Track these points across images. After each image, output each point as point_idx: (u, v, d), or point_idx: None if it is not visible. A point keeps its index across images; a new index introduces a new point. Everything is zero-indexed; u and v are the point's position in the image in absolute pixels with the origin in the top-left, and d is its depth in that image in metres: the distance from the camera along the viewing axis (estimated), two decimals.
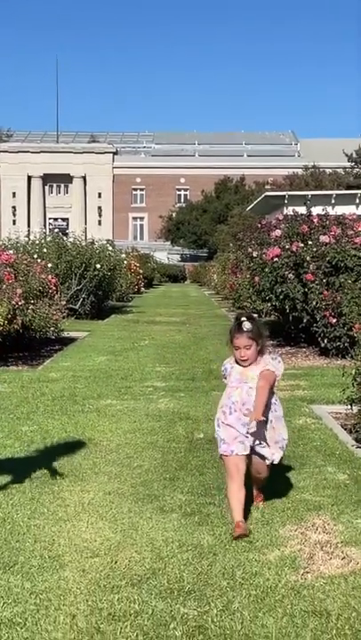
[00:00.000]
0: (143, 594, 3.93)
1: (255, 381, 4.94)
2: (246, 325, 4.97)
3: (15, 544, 4.61)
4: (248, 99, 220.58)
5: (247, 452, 4.98)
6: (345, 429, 7.59)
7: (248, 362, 5.03)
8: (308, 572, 4.19)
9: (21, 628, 3.58)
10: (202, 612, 3.75)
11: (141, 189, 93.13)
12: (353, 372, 7.32)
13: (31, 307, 12.95)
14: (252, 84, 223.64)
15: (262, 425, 4.98)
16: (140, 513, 5.16)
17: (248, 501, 5.05)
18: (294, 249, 13.45)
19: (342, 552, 4.45)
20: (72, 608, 3.77)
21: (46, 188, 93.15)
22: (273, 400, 5.11)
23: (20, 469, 6.14)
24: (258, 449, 5.05)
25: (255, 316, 5.20)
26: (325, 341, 12.88)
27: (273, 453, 5.09)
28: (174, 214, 78.42)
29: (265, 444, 5.05)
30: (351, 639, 3.50)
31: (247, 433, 4.97)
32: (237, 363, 5.09)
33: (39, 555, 4.43)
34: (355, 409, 7.37)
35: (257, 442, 5.02)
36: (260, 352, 5.06)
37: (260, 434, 5.01)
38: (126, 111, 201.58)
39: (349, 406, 7.45)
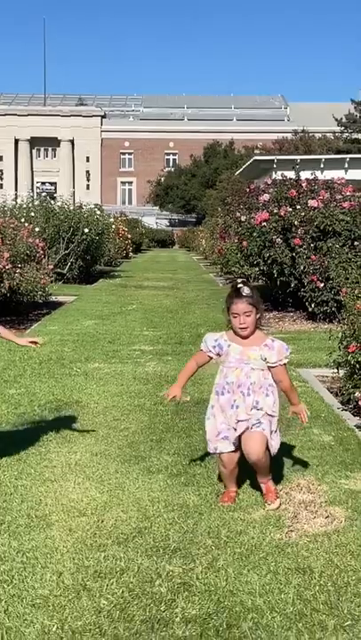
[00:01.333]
0: (129, 552, 3.98)
1: (258, 363, 4.65)
2: (245, 290, 4.62)
3: (2, 504, 4.65)
4: (238, 62, 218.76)
5: (232, 448, 4.68)
6: (331, 392, 7.65)
7: (247, 331, 4.64)
8: (292, 531, 4.25)
9: (8, 585, 3.62)
10: (187, 569, 3.80)
11: (130, 154, 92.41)
12: (339, 335, 7.36)
13: (18, 271, 12.91)
14: (243, 48, 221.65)
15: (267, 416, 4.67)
16: (126, 474, 5.21)
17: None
18: (282, 213, 13.44)
19: (326, 511, 4.51)
20: (58, 566, 3.82)
21: (34, 151, 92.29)
22: (271, 381, 4.75)
23: (7, 432, 6.18)
24: (254, 429, 4.67)
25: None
26: (313, 306, 12.92)
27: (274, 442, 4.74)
28: (163, 179, 77.89)
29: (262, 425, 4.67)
30: (334, 595, 3.56)
31: (237, 420, 4.65)
32: (235, 332, 4.68)
33: (26, 514, 4.47)
34: (341, 372, 7.42)
35: (254, 423, 4.65)
36: (258, 323, 4.73)
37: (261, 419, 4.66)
38: (115, 74, 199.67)
39: (336, 370, 7.50)
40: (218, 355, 4.78)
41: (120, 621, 3.32)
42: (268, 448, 4.67)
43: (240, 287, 4.65)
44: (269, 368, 4.68)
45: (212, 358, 4.84)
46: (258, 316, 4.68)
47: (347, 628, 3.28)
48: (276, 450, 4.75)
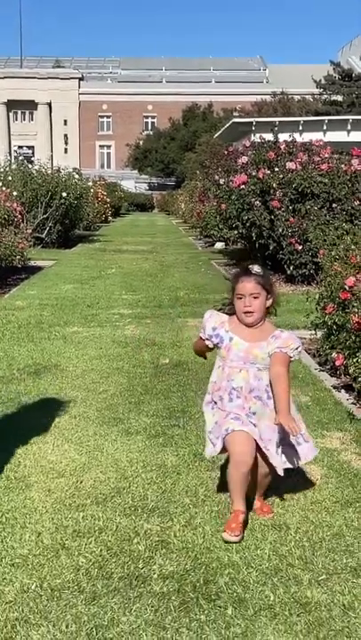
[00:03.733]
0: (108, 511, 4.03)
1: (266, 363, 3.87)
2: (255, 268, 3.91)
3: None
4: (216, 23, 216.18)
5: (248, 428, 3.84)
6: (309, 354, 7.70)
7: (253, 317, 3.89)
8: (268, 489, 4.30)
9: None
10: (165, 527, 3.86)
11: (108, 117, 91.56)
12: (317, 297, 7.40)
13: None
14: (221, 9, 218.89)
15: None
16: (105, 435, 5.24)
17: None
18: (261, 176, 13.40)
19: (302, 469, 4.57)
20: (37, 526, 3.86)
21: (11, 114, 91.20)
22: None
23: None
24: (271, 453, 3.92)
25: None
26: (291, 268, 12.96)
27: (285, 462, 3.97)
28: (142, 142, 77.33)
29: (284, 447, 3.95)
30: (309, 550, 3.62)
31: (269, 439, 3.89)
32: (239, 319, 3.93)
33: (5, 476, 4.49)
34: (319, 334, 7.47)
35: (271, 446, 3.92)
36: (268, 312, 3.99)
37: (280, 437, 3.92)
38: (92, 35, 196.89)
39: (313, 331, 7.55)
40: (216, 346, 4.01)
41: (98, 579, 3.37)
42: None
43: (250, 266, 3.95)
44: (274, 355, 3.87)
45: (217, 346, 4.02)
46: (269, 301, 3.94)
47: (321, 582, 3.35)
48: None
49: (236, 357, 3.90)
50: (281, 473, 3.94)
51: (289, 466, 3.97)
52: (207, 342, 4.02)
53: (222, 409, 3.90)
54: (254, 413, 3.86)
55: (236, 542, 3.64)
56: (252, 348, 3.89)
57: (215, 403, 3.99)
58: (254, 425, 3.85)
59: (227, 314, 4.05)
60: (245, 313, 3.89)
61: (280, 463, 3.91)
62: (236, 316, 3.97)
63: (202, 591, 3.28)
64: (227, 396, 3.90)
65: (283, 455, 3.92)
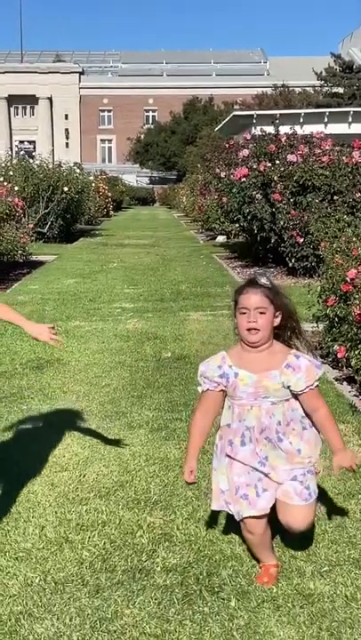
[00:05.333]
0: (111, 505, 4.04)
1: (280, 393, 3.29)
2: (263, 279, 3.33)
3: None
4: (217, 16, 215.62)
5: (260, 509, 3.30)
6: (311, 346, 7.68)
7: (259, 336, 3.27)
8: None
9: None
10: (168, 520, 3.87)
11: (109, 111, 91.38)
12: (318, 289, 7.39)
13: None
14: (221, 1, 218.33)
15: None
16: (107, 429, 5.25)
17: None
18: (262, 169, 13.38)
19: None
20: (41, 520, 3.87)
21: (11, 109, 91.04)
22: (301, 412, 3.40)
23: None
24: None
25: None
26: (293, 261, 12.95)
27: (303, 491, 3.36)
28: (142, 136, 77.18)
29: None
30: (312, 542, 3.63)
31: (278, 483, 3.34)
32: (243, 341, 3.33)
33: (8, 470, 4.51)
34: (320, 326, 7.47)
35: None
36: (277, 332, 3.36)
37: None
38: (92, 29, 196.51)
39: (315, 324, 7.55)
40: (221, 386, 3.37)
41: (102, 572, 3.39)
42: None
43: (257, 276, 3.36)
44: (296, 396, 3.34)
45: (225, 393, 3.39)
46: (277, 319, 3.32)
47: (324, 574, 3.36)
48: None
49: (245, 394, 3.30)
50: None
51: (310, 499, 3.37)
52: (220, 389, 3.37)
53: (233, 457, 3.33)
54: (266, 458, 3.30)
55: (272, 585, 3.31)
56: (261, 380, 3.28)
57: (224, 459, 3.38)
58: (267, 474, 3.30)
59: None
60: (249, 330, 3.27)
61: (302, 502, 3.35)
62: (239, 343, 3.37)
63: (205, 583, 3.29)
64: (238, 439, 3.32)
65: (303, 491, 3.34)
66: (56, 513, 3.95)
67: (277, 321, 3.32)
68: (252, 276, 3.41)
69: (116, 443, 4.98)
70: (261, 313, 3.26)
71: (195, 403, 5.71)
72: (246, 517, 3.29)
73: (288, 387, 3.27)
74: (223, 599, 3.17)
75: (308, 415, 3.36)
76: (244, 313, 3.29)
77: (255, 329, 3.26)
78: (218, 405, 3.44)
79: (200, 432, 3.48)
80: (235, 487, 3.32)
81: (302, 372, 3.26)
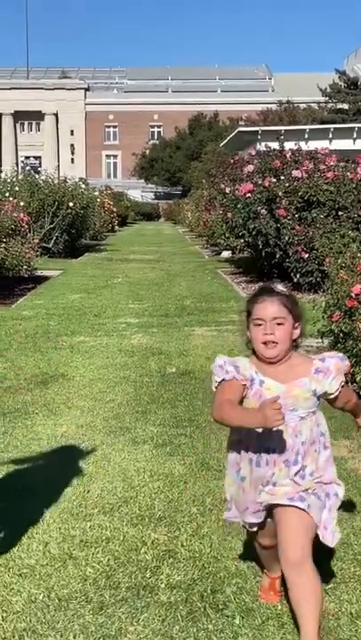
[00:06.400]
0: (115, 521, 4.03)
1: (309, 403, 2.97)
2: (279, 286, 3.02)
3: None
4: (222, 33, 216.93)
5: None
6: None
7: (276, 350, 2.93)
8: None
9: None
10: (172, 536, 3.85)
11: (114, 127, 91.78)
12: (323, 305, 7.38)
13: (3, 245, 12.87)
14: (227, 18, 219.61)
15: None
16: (112, 445, 5.24)
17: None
18: (267, 184, 13.41)
19: None
20: (45, 536, 3.86)
21: (18, 125, 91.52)
22: (323, 427, 3.14)
23: None
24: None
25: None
26: (298, 276, 12.95)
27: (330, 530, 3.02)
28: (148, 152, 77.46)
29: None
30: (316, 559, 3.60)
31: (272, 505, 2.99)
32: (258, 357, 2.98)
33: (12, 485, 4.50)
34: (325, 342, 7.46)
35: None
36: (295, 343, 3.01)
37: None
38: (98, 46, 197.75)
39: (320, 339, 7.54)
40: (242, 383, 2.96)
41: (106, 589, 3.37)
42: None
43: (272, 284, 3.05)
44: (331, 401, 3.08)
45: (246, 387, 2.96)
46: (297, 331, 2.98)
47: (329, 591, 3.34)
48: (333, 542, 3.06)
49: None
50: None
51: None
52: (243, 382, 2.94)
53: (245, 475, 3.04)
54: (274, 484, 2.97)
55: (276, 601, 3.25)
56: (291, 390, 2.93)
57: (239, 476, 3.08)
58: (261, 503, 3.01)
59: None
60: (265, 344, 2.93)
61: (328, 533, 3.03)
62: (255, 355, 3.02)
63: (209, 600, 3.27)
64: (255, 460, 2.99)
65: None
66: (60, 529, 3.93)
67: (297, 332, 2.98)
68: (266, 283, 3.12)
69: (120, 458, 4.97)
70: (279, 324, 2.93)
71: (200, 418, 5.73)
72: (258, 528, 3.13)
73: (323, 393, 2.98)
74: (228, 616, 3.15)
75: (337, 406, 3.14)
76: (260, 324, 2.94)
77: (273, 342, 2.92)
78: (240, 397, 2.95)
79: (237, 406, 2.91)
80: (244, 505, 3.08)
81: (333, 372, 2.97)
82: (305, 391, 2.94)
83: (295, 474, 2.97)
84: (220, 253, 21.23)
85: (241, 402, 2.95)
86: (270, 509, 3.01)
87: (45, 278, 15.36)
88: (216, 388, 2.98)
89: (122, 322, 10.22)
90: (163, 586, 3.39)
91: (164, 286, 14.19)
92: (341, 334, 6.70)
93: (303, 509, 2.89)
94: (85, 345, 8.65)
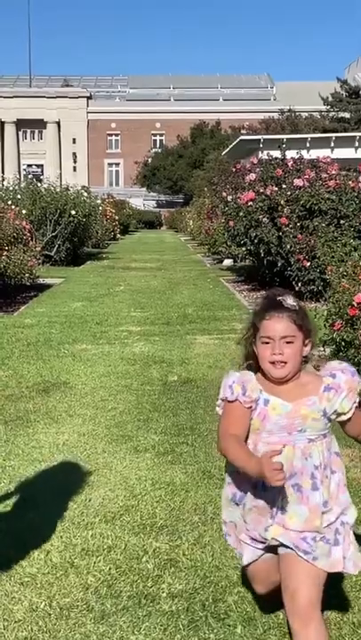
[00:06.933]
0: (116, 530, 4.02)
1: (319, 425, 2.77)
2: (288, 300, 2.78)
3: None
4: (224, 41, 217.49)
5: (261, 553, 2.89)
6: (316, 368, 7.66)
7: (285, 369, 2.74)
8: None
9: None
10: (173, 545, 3.85)
11: (116, 135, 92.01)
12: (325, 313, 7.39)
13: (5, 253, 12.88)
14: (228, 27, 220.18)
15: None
16: (113, 453, 5.24)
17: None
18: (269, 193, 13.43)
19: None
20: (46, 544, 3.85)
21: (20, 133, 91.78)
22: (335, 449, 2.91)
23: None
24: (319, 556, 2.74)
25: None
26: (300, 285, 12.95)
27: (350, 558, 2.81)
28: (150, 160, 77.60)
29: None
30: None
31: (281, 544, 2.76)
32: (264, 375, 2.80)
33: (13, 494, 4.50)
34: (327, 350, 7.46)
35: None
36: (305, 359, 2.84)
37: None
38: (100, 54, 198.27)
39: (322, 348, 7.53)
40: (244, 403, 2.76)
41: (107, 597, 3.37)
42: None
43: (281, 297, 2.80)
44: (342, 422, 2.85)
45: (252, 410, 2.77)
46: (307, 348, 2.82)
47: (331, 599, 3.33)
48: (357, 569, 2.83)
49: (277, 427, 2.74)
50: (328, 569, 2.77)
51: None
52: (249, 405, 2.75)
53: (250, 502, 2.82)
54: (283, 510, 2.75)
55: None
56: (298, 409, 2.73)
57: (238, 504, 2.90)
58: (265, 540, 2.80)
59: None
60: (273, 363, 2.74)
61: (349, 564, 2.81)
62: (260, 372, 2.83)
63: (211, 610, 3.27)
64: (259, 483, 2.74)
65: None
66: (61, 537, 3.93)
67: (307, 349, 2.81)
68: (273, 294, 2.83)
69: (121, 467, 4.97)
70: (289, 342, 2.73)
71: (201, 427, 5.73)
72: (249, 569, 2.94)
73: (331, 413, 2.76)
74: (229, 625, 3.15)
75: (349, 430, 2.87)
76: (267, 343, 2.74)
77: (282, 362, 2.73)
78: (245, 426, 2.76)
79: (241, 443, 2.74)
80: (245, 536, 2.88)
81: (344, 389, 2.75)
82: (313, 411, 2.74)
83: (322, 516, 2.74)
84: (222, 262, 21.25)
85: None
86: (273, 547, 2.81)
87: (47, 286, 15.38)
88: (219, 405, 2.86)
89: (124, 330, 10.22)
90: (164, 595, 3.39)
91: (165, 294, 14.20)
92: (343, 343, 6.70)
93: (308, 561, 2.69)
94: (87, 353, 8.65)
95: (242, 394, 2.75)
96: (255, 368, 2.84)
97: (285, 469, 2.62)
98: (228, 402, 2.78)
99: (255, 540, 2.84)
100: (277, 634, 3.09)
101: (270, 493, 2.73)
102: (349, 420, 2.80)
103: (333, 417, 2.78)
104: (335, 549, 2.75)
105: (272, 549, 2.81)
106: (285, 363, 2.72)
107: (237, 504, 2.90)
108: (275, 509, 2.75)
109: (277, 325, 2.73)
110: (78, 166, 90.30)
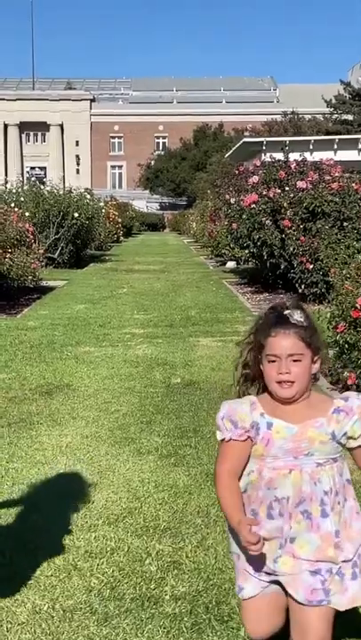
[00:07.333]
0: (119, 532, 4.02)
1: (327, 448, 2.58)
2: (296, 315, 2.57)
3: None
4: (227, 44, 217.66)
5: (261, 589, 2.67)
6: (321, 373, 7.66)
7: (293, 389, 2.55)
8: None
9: (2, 568, 3.66)
10: (177, 548, 3.84)
11: (119, 137, 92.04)
12: (328, 315, 7.39)
13: (8, 255, 12.90)
14: (231, 29, 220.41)
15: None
16: (116, 455, 5.24)
17: None
18: (271, 195, 13.44)
19: None
20: (49, 547, 3.85)
21: (23, 136, 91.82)
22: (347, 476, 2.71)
23: None
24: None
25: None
26: (303, 287, 12.97)
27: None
28: (153, 162, 77.61)
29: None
30: None
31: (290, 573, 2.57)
32: (271, 395, 2.61)
33: (17, 496, 4.50)
34: (330, 353, 7.45)
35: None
36: (314, 377, 2.66)
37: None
38: (103, 57, 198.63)
39: (325, 350, 7.52)
40: (244, 432, 2.60)
41: (110, 600, 3.37)
42: None
43: (288, 311, 2.59)
44: (352, 449, 2.63)
45: (253, 442, 2.60)
46: (316, 365, 2.63)
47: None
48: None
49: (282, 452, 2.56)
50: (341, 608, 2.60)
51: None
52: (248, 439, 2.59)
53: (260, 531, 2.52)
54: (293, 540, 2.57)
55: None
56: (305, 431, 2.55)
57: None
58: (274, 580, 2.63)
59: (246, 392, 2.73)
60: (280, 383, 2.56)
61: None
62: (266, 393, 2.66)
63: (214, 612, 3.26)
64: (265, 511, 2.59)
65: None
66: (64, 540, 3.92)
67: (316, 367, 2.62)
68: (280, 308, 2.63)
69: (124, 469, 4.97)
70: (296, 360, 2.54)
71: (204, 429, 5.73)
72: (247, 603, 2.70)
73: (341, 436, 2.56)
74: (233, 628, 3.14)
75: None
76: (273, 361, 2.56)
77: (289, 381, 2.55)
78: (244, 459, 2.61)
79: (233, 492, 2.59)
80: (247, 565, 2.67)
81: (356, 412, 2.55)
82: (321, 433, 2.54)
83: (335, 535, 2.57)
84: (225, 264, 21.26)
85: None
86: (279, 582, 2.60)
87: (50, 289, 15.39)
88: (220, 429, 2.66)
89: (127, 332, 10.22)
90: (167, 597, 3.38)
91: (169, 297, 14.20)
92: (346, 345, 6.70)
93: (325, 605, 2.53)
94: (90, 355, 8.65)
95: (233, 428, 2.59)
96: (252, 378, 2.71)
97: (293, 495, 2.54)
98: (224, 441, 2.62)
99: (259, 571, 2.65)
100: (280, 636, 3.08)
101: (278, 521, 2.57)
102: (360, 447, 2.60)
103: (344, 441, 2.58)
104: (353, 583, 2.59)
105: (278, 582, 2.63)
106: (293, 382, 2.54)
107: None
108: (283, 539, 2.58)
109: (284, 342, 2.54)
110: (81, 169, 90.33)
